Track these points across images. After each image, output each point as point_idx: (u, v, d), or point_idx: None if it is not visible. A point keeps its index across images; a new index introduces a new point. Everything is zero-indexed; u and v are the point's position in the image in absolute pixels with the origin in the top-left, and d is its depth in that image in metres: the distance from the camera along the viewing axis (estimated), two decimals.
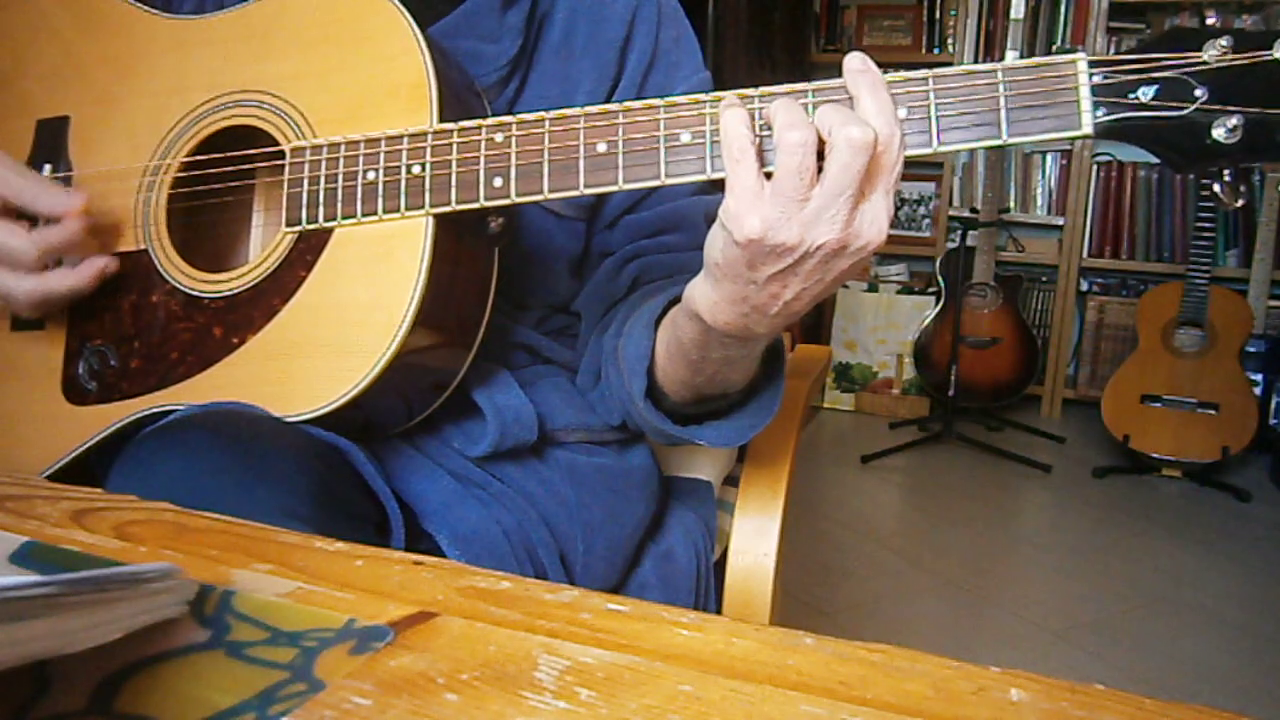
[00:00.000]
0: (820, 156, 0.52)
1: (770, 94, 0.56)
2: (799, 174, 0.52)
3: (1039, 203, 3.35)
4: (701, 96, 0.57)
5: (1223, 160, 0.55)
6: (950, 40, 3.44)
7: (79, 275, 0.68)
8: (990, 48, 3.36)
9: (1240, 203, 0.58)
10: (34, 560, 0.39)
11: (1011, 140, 0.54)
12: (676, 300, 0.69)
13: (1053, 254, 3.31)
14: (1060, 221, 3.28)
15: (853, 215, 0.53)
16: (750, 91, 0.56)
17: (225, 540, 0.43)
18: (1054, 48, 3.25)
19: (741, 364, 0.67)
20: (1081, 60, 0.54)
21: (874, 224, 0.53)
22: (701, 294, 0.60)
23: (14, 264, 0.65)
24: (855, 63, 0.54)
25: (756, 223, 0.52)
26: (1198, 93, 0.53)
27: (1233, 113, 0.53)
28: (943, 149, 0.55)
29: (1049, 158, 3.32)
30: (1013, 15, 2.86)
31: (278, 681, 0.31)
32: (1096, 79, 0.54)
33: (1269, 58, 0.52)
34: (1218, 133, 0.53)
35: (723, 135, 0.54)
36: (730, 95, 0.56)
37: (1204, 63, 0.53)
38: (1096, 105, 0.54)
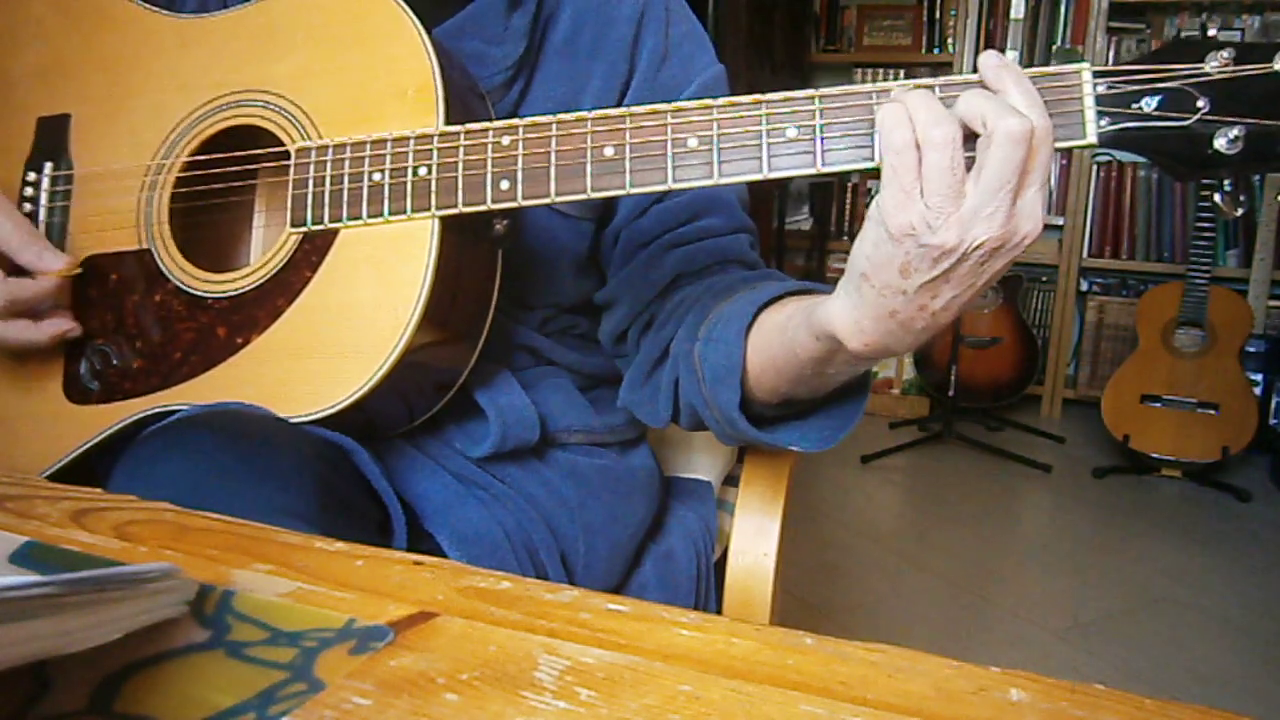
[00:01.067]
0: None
1: (779, 99, 0.56)
2: (951, 170, 0.50)
3: None
4: (709, 102, 0.57)
5: (1224, 170, 0.55)
6: (950, 40, 3.44)
7: (38, 331, 0.69)
8: (990, 48, 3.35)
9: (1240, 212, 0.58)
10: (34, 560, 0.39)
11: None
12: (763, 306, 0.66)
13: (1053, 254, 3.31)
14: (1060, 221, 3.28)
15: (1012, 210, 0.51)
16: (761, 97, 0.56)
17: (225, 540, 0.43)
18: (1054, 48, 3.25)
19: (852, 374, 0.64)
20: (1086, 70, 0.54)
21: (1031, 217, 0.52)
22: (842, 313, 0.56)
23: None
24: (993, 59, 0.53)
25: (915, 217, 0.51)
26: (1200, 104, 0.53)
27: (1234, 123, 0.53)
28: None
29: None
30: (1013, 15, 2.86)
31: (278, 681, 0.31)
32: (1101, 89, 0.54)
33: (1269, 70, 0.52)
34: (1219, 143, 0.53)
35: (882, 128, 0.52)
36: (898, 89, 0.54)
37: (1206, 74, 0.53)
38: (1100, 115, 0.54)
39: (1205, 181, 0.58)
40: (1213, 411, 2.70)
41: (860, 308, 0.55)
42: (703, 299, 0.72)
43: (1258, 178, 3.01)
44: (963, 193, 0.51)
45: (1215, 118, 0.53)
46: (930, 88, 0.54)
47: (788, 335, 0.62)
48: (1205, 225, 2.67)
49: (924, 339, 0.57)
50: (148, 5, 0.75)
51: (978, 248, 0.51)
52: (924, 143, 0.51)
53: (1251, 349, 2.79)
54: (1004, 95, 0.52)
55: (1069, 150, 0.55)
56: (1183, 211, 3.18)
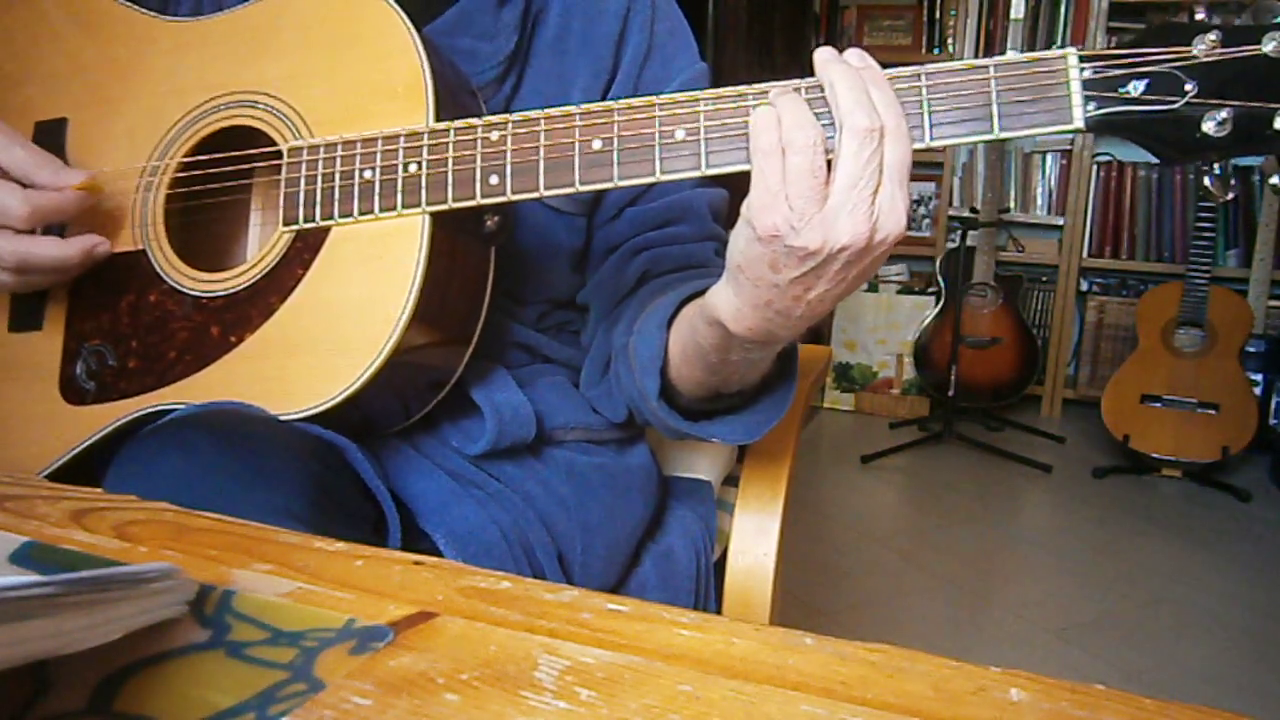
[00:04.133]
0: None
1: (764, 90, 0.56)
2: (812, 173, 0.52)
3: (1039, 203, 3.35)
4: (696, 94, 0.58)
5: (1213, 153, 0.55)
6: (950, 40, 3.44)
7: (66, 246, 0.67)
8: (990, 48, 3.36)
9: (1231, 195, 0.59)
10: (34, 560, 0.39)
11: (1003, 135, 0.55)
12: (689, 299, 0.69)
13: (1053, 254, 3.31)
14: (1060, 221, 3.28)
15: (871, 209, 0.53)
16: (747, 89, 0.56)
17: (225, 540, 0.43)
18: (1054, 48, 3.25)
19: (760, 365, 0.67)
20: (1072, 55, 0.54)
21: (892, 214, 0.53)
22: (724, 300, 0.60)
23: (4, 222, 0.65)
24: (854, 59, 0.55)
25: (779, 219, 0.53)
26: (1187, 87, 0.53)
27: (1222, 106, 0.53)
28: (935, 143, 0.56)
29: (1049, 157, 3.32)
30: (1013, 15, 2.86)
31: (278, 681, 0.31)
32: (1087, 73, 0.54)
33: (1257, 52, 0.52)
34: (1208, 126, 0.53)
35: (752, 131, 0.54)
36: (775, 89, 0.56)
37: (1193, 57, 0.53)
38: (1087, 99, 0.54)
39: (1201, 168, 0.58)
40: (1213, 411, 2.70)
41: (739, 296, 0.58)
42: (645, 296, 0.75)
43: (1257, 177, 3.01)
44: (825, 195, 0.52)
45: (1203, 100, 0.53)
46: (799, 89, 0.55)
47: (693, 324, 0.65)
48: (1205, 225, 2.68)
49: (805, 326, 0.59)
50: (142, 9, 0.75)
51: (842, 249, 0.53)
52: (787, 146, 0.52)
53: (1251, 349, 2.79)
54: (854, 93, 0.53)
55: (1068, 141, 0.56)
56: (1183, 211, 3.18)
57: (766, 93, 0.56)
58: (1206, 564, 2.24)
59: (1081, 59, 0.54)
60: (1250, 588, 2.14)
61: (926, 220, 3.53)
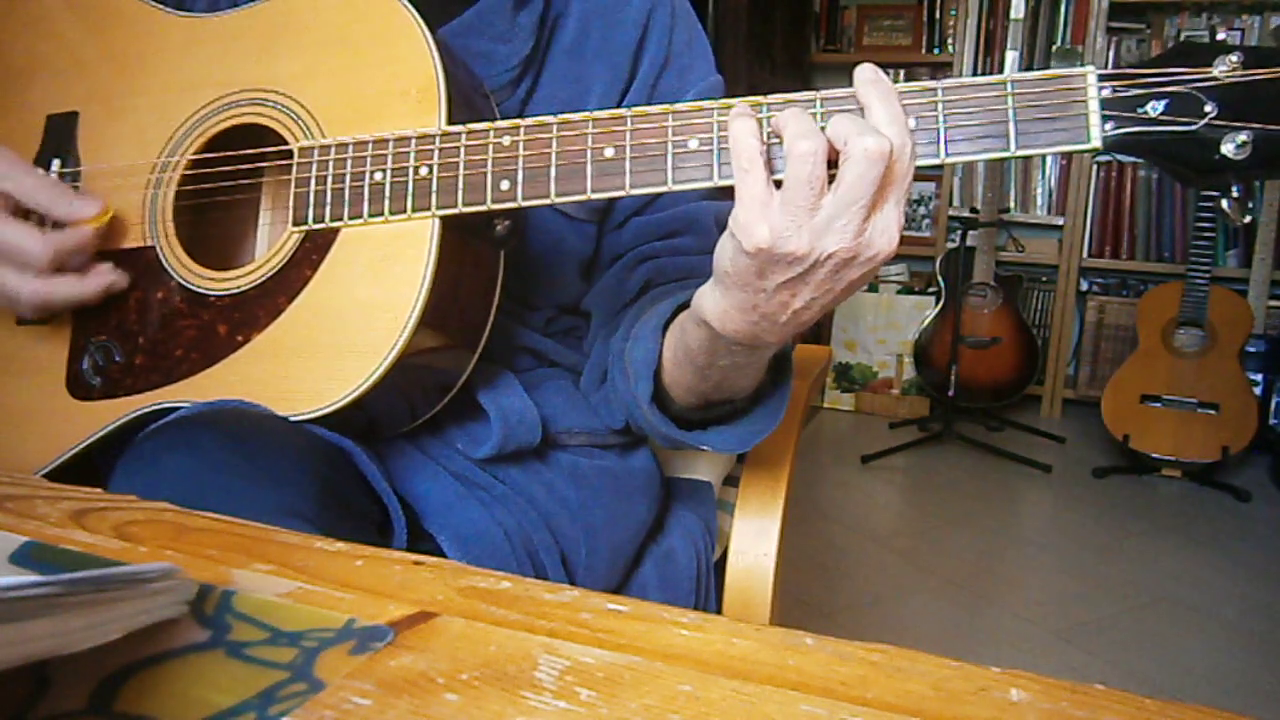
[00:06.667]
0: (831, 165, 0.52)
1: (781, 101, 0.56)
2: (809, 184, 0.52)
3: (1039, 203, 3.35)
4: (710, 103, 0.57)
5: (1231, 175, 0.54)
6: (950, 40, 3.44)
7: (84, 285, 0.68)
8: (990, 48, 3.36)
9: (1248, 219, 0.58)
10: (34, 560, 0.39)
11: (1019, 153, 0.54)
12: (684, 305, 0.69)
13: (1053, 254, 3.31)
14: (1060, 221, 3.28)
15: (864, 225, 0.52)
16: (760, 99, 0.56)
17: (225, 540, 0.43)
18: (1054, 48, 3.25)
19: (749, 370, 0.67)
20: (1091, 74, 0.53)
21: (885, 233, 0.53)
22: (711, 302, 0.60)
23: (25, 265, 0.65)
24: (867, 73, 0.54)
25: (765, 232, 0.53)
26: (1207, 108, 0.53)
27: (1243, 128, 0.52)
28: (950, 160, 0.55)
29: (1049, 158, 3.32)
30: (1013, 15, 2.86)
31: (278, 681, 0.31)
32: (1106, 92, 0.53)
33: (1278, 74, 0.51)
34: (1227, 148, 0.53)
35: (731, 145, 0.54)
36: (740, 104, 0.56)
37: (1214, 78, 0.52)
38: (1105, 119, 0.53)
39: (1207, 193, 0.57)
40: (1213, 411, 2.70)
41: (726, 299, 0.58)
42: (645, 305, 0.75)
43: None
44: (819, 206, 0.52)
45: (1223, 122, 0.52)
46: (814, 101, 0.55)
47: (684, 326, 0.66)
48: (1205, 225, 2.68)
49: (793, 332, 0.59)
50: (157, 4, 0.75)
51: (829, 257, 0.53)
52: (789, 154, 0.52)
53: (1251, 349, 2.79)
54: (868, 110, 0.53)
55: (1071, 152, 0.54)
56: (1183, 211, 3.18)
57: (779, 104, 0.56)
58: (1206, 564, 2.24)
59: (1100, 77, 0.53)
60: (1250, 588, 2.14)
61: (926, 220, 3.53)
